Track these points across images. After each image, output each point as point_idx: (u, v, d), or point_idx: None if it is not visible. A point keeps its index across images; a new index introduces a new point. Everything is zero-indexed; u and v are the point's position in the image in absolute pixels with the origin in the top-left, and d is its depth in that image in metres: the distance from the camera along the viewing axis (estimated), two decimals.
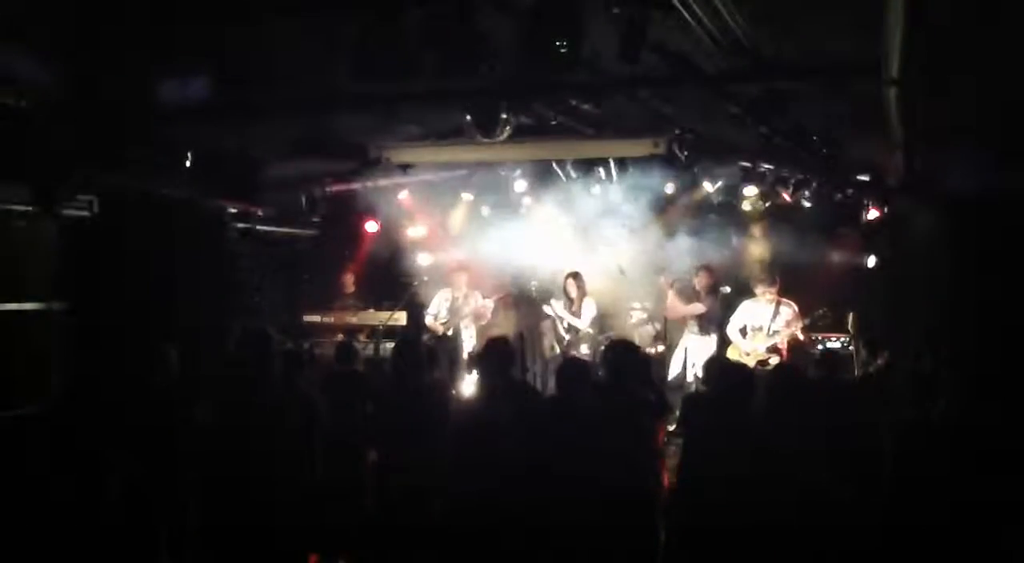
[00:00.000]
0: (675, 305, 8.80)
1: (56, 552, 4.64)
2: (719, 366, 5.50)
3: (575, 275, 9.15)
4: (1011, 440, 4.27)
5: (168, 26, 5.58)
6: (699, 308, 8.70)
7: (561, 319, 9.07)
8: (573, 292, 9.03)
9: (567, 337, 9.06)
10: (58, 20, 5.46)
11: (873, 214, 9.08)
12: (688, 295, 8.93)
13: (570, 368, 5.09)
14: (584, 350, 8.83)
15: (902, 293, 8.34)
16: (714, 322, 8.72)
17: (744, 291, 8.81)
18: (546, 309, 9.21)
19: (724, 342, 8.60)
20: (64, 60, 5.87)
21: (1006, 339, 6.40)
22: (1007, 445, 4.27)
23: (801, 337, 8.15)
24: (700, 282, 8.87)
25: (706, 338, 8.69)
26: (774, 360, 8.03)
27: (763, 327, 8.16)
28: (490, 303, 9.09)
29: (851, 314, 8.55)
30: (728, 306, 8.70)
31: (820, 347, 8.57)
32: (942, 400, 4.85)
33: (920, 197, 7.66)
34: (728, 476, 4.53)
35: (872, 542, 4.35)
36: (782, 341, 8.09)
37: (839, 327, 8.57)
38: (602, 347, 8.90)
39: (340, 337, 9.11)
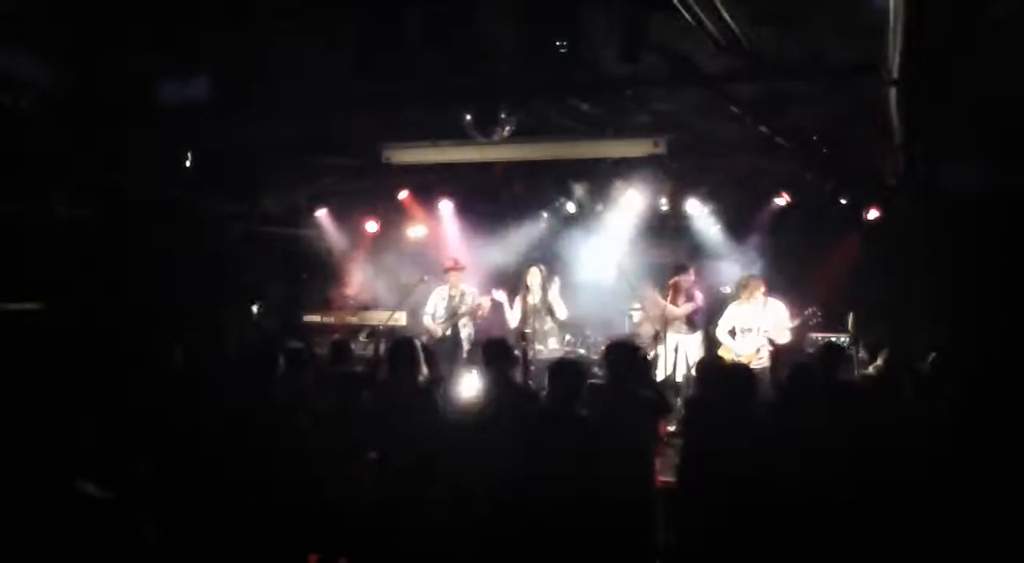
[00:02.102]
0: (672, 309, 8.74)
1: (58, 552, 4.64)
2: (716, 368, 5.50)
3: (534, 264, 8.72)
4: (1011, 440, 4.27)
5: (168, 26, 5.59)
6: (690, 307, 8.64)
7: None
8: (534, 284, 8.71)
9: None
10: (58, 20, 5.46)
11: (873, 214, 9.07)
12: (676, 295, 8.84)
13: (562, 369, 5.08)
14: (553, 345, 8.60)
15: (902, 293, 8.34)
16: (700, 320, 8.68)
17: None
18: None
19: (712, 343, 8.57)
20: (64, 60, 5.87)
21: (1006, 339, 6.41)
22: (1007, 445, 4.27)
23: (790, 337, 8.12)
24: (683, 281, 8.72)
25: (693, 336, 8.66)
26: (766, 361, 8.02)
27: (753, 328, 8.15)
28: (486, 301, 9.05)
29: (851, 314, 8.54)
30: (721, 306, 8.66)
31: (821, 342, 8.53)
32: (942, 400, 4.86)
33: (920, 197, 7.66)
34: (729, 477, 4.53)
35: (871, 542, 4.35)
36: (772, 341, 8.08)
37: (833, 326, 8.56)
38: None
39: (336, 336, 9.10)
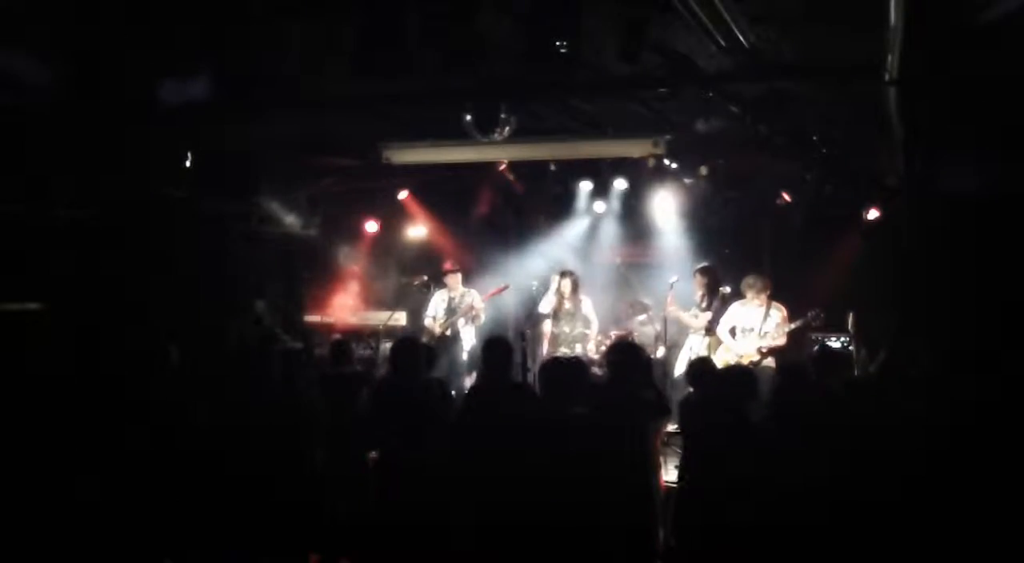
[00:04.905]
0: (677, 313, 8.74)
1: (58, 551, 4.65)
2: (707, 369, 5.50)
3: (568, 273, 9.06)
4: (1010, 440, 4.27)
5: (168, 26, 5.59)
6: (703, 320, 8.64)
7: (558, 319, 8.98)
8: (567, 291, 8.95)
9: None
10: (58, 20, 5.46)
11: (873, 214, 9.07)
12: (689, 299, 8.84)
13: (556, 369, 5.08)
14: (579, 350, 8.76)
15: (902, 293, 8.33)
16: (716, 322, 8.71)
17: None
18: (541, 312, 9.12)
19: (716, 341, 8.57)
20: (64, 60, 5.87)
21: (1006, 340, 6.39)
22: (1006, 445, 4.27)
23: (786, 340, 8.13)
24: (698, 282, 8.80)
25: (708, 339, 8.68)
26: (767, 361, 8.02)
27: (754, 328, 8.15)
28: (480, 304, 9.09)
29: (851, 314, 8.53)
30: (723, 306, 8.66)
31: (817, 347, 8.54)
32: (941, 400, 4.86)
33: (920, 197, 7.66)
34: (729, 477, 4.54)
35: (869, 542, 4.35)
36: (773, 342, 8.08)
37: (835, 327, 8.55)
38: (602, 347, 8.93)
39: (336, 336, 9.11)
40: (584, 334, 8.86)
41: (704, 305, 8.68)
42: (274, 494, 4.89)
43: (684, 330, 8.83)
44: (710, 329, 8.54)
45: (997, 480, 4.19)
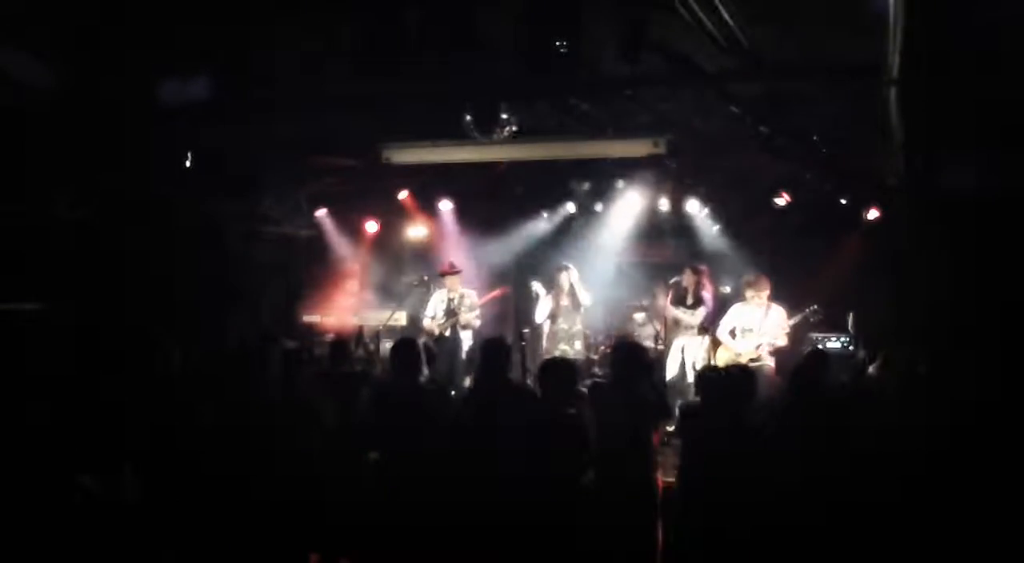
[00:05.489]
0: (673, 312, 8.74)
1: (59, 552, 4.64)
2: (715, 378, 5.49)
3: (565, 267, 9.04)
4: (1010, 441, 4.28)
5: (168, 26, 5.59)
6: (702, 313, 8.62)
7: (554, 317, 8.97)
8: (565, 286, 8.95)
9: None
10: (58, 20, 5.47)
11: (873, 214, 9.07)
12: (681, 296, 8.83)
13: (555, 369, 5.07)
14: (577, 346, 8.75)
15: (902, 293, 8.34)
16: (709, 323, 8.71)
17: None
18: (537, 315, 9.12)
19: (715, 343, 8.58)
20: (64, 60, 5.87)
21: (1006, 340, 6.40)
22: (1006, 445, 4.27)
23: (787, 341, 8.13)
24: (687, 281, 8.78)
25: (701, 338, 8.67)
26: (766, 361, 8.02)
27: (754, 328, 8.16)
28: (475, 306, 9.10)
29: (851, 314, 8.54)
30: (723, 307, 8.67)
31: (809, 348, 8.53)
32: (940, 400, 4.86)
33: (920, 197, 7.67)
34: (727, 478, 4.53)
35: (868, 543, 4.35)
36: (773, 342, 8.08)
37: (835, 326, 8.55)
38: (602, 348, 8.95)
39: (336, 336, 9.10)
40: (581, 331, 8.87)
41: (691, 303, 8.68)
42: (274, 494, 4.89)
43: (674, 331, 8.81)
44: (706, 329, 8.54)
45: (997, 481, 4.19)
